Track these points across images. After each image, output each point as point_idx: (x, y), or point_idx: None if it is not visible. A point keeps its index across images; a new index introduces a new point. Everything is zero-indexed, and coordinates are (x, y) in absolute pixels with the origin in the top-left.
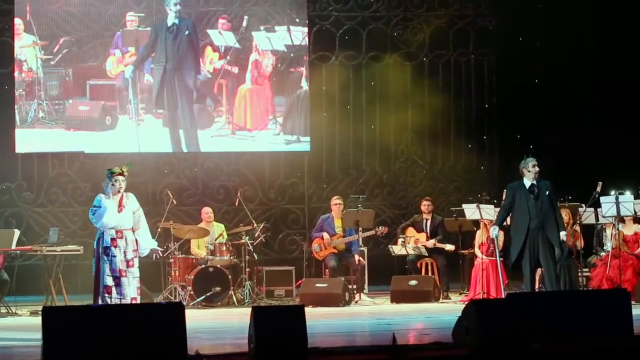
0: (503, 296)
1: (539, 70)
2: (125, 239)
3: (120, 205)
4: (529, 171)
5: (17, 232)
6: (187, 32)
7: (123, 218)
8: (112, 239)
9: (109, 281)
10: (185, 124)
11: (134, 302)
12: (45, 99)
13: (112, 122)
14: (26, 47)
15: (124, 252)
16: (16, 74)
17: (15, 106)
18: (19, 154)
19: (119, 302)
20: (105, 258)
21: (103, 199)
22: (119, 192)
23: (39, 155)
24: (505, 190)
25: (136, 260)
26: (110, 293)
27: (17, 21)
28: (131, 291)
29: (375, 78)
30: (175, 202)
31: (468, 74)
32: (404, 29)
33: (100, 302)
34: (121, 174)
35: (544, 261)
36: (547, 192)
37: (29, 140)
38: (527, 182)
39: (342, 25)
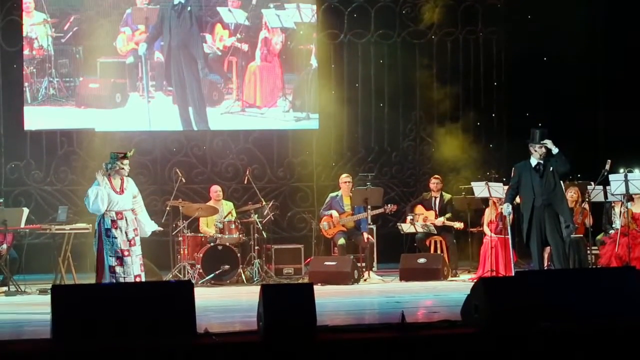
0: (512, 274)
1: (547, 49)
2: (126, 219)
3: (121, 188)
4: (535, 151)
5: (26, 211)
6: (189, 9)
7: (123, 199)
8: (113, 221)
9: (112, 261)
10: (194, 102)
11: (137, 279)
12: (56, 76)
13: (122, 100)
14: (37, 25)
15: (125, 232)
16: (27, 51)
17: (26, 84)
18: (28, 132)
19: (123, 281)
20: (107, 240)
21: (95, 190)
22: (122, 175)
23: (48, 134)
24: (513, 169)
25: (137, 239)
26: (115, 272)
27: None
28: (135, 269)
29: (383, 56)
30: (184, 180)
31: (477, 52)
32: (412, 7)
33: (107, 280)
34: (126, 157)
35: (551, 239)
36: (552, 169)
37: (39, 117)
38: (534, 160)
39: (350, 4)
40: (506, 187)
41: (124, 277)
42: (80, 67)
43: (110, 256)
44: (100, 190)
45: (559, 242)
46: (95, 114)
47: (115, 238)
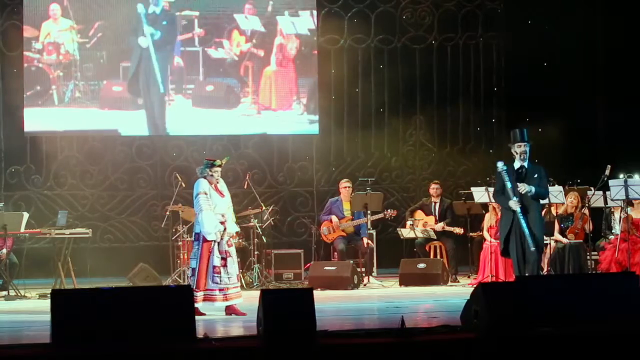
0: (512, 279)
1: (547, 53)
2: (227, 222)
3: (220, 192)
4: (516, 152)
5: (26, 215)
6: (164, 23)
7: (225, 202)
8: (220, 222)
9: (218, 262)
10: (161, 109)
11: (238, 279)
12: (81, 79)
13: (143, 102)
14: (63, 31)
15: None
16: (54, 56)
17: (53, 86)
18: (28, 136)
19: (227, 281)
20: (215, 242)
21: (205, 185)
22: (217, 181)
23: (48, 138)
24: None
25: (233, 241)
26: (219, 273)
27: (55, 6)
28: (235, 269)
29: (383, 61)
30: (184, 185)
31: (477, 57)
32: (412, 12)
33: (211, 282)
34: (220, 165)
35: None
36: (536, 175)
37: (64, 119)
38: (517, 163)
39: (350, 9)
40: None
41: (228, 277)
42: (104, 71)
43: (216, 257)
44: (208, 216)
45: (530, 253)
46: (118, 116)
47: (222, 239)
